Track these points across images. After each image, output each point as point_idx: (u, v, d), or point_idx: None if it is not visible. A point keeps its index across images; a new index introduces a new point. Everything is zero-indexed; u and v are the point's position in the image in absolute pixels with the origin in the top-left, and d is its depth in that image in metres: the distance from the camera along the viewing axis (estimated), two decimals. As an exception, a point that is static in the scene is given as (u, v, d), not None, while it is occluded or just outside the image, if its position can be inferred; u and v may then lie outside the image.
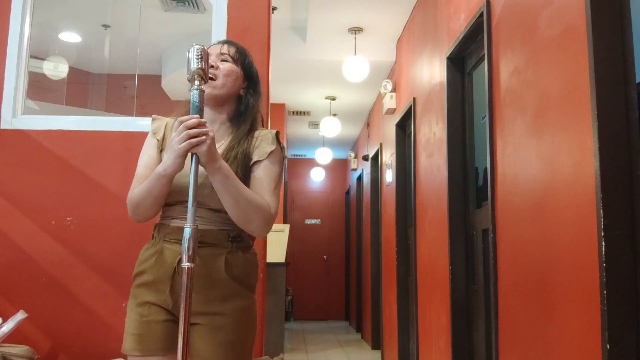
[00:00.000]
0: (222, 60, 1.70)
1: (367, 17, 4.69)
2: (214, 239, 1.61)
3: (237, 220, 1.59)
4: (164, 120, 1.75)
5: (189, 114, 1.67)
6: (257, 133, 1.71)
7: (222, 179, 1.52)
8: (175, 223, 1.61)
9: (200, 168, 1.50)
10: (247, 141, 1.67)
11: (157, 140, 1.70)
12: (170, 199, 1.61)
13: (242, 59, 1.75)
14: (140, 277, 1.62)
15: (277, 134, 1.73)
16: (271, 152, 1.67)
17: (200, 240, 1.56)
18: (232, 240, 1.63)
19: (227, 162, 1.60)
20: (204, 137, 1.46)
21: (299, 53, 5.26)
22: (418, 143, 4.22)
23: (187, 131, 1.46)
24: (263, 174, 1.64)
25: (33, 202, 2.57)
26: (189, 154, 1.48)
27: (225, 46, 1.74)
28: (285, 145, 1.75)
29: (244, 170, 1.64)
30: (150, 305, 1.58)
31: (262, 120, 1.81)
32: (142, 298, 1.60)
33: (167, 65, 4.83)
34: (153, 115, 1.77)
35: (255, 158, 1.65)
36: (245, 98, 1.73)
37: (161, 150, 1.69)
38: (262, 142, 1.68)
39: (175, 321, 1.58)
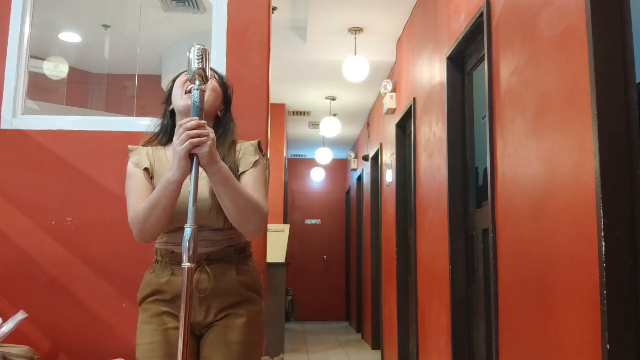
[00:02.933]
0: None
1: (367, 17, 4.69)
2: (223, 255, 1.66)
3: (235, 221, 1.61)
4: (142, 150, 1.74)
5: (157, 134, 1.77)
6: (238, 146, 1.75)
7: (221, 180, 1.54)
8: (179, 249, 1.58)
9: (201, 190, 1.53)
10: (230, 156, 1.70)
11: (146, 168, 1.68)
12: (172, 225, 1.62)
13: (224, 84, 1.81)
14: (154, 295, 1.65)
15: (259, 144, 1.77)
16: (255, 161, 1.71)
17: (212, 258, 1.63)
18: (238, 253, 1.69)
19: None
20: (204, 137, 1.47)
21: (299, 53, 5.26)
22: (418, 143, 4.22)
23: (187, 132, 1.47)
24: (251, 179, 1.68)
25: (33, 202, 2.57)
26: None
27: (211, 69, 1.77)
28: (267, 155, 1.80)
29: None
30: (167, 314, 1.62)
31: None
32: (158, 309, 1.63)
33: (167, 65, 4.82)
34: (129, 147, 1.75)
35: (241, 169, 1.69)
36: (223, 120, 1.78)
37: (152, 177, 1.68)
38: (245, 154, 1.72)
39: (191, 332, 1.61)
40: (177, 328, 1.58)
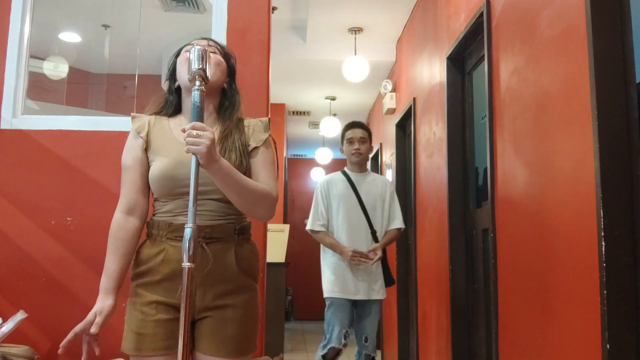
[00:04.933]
0: (211, 52, 1.73)
1: (367, 17, 4.69)
2: (222, 233, 1.64)
3: (243, 210, 1.64)
4: (145, 118, 1.75)
5: (162, 107, 1.78)
6: (246, 122, 1.77)
7: (224, 177, 1.54)
8: (178, 220, 1.62)
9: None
10: (239, 130, 1.72)
11: (142, 138, 1.70)
12: (172, 190, 1.63)
13: (226, 55, 1.81)
14: (144, 277, 1.63)
15: (268, 121, 1.80)
16: (266, 139, 1.74)
17: (210, 236, 1.61)
18: (238, 233, 1.67)
19: (225, 150, 1.65)
20: (198, 139, 1.45)
21: (299, 53, 5.26)
22: (418, 143, 4.22)
23: (186, 132, 1.48)
24: (262, 159, 1.70)
25: (33, 202, 2.57)
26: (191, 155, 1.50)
27: (212, 42, 1.80)
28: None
29: (243, 156, 1.68)
30: (157, 304, 1.60)
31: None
32: (148, 297, 1.61)
33: (167, 65, 4.81)
34: (132, 114, 1.77)
35: (253, 144, 1.71)
36: (229, 92, 1.79)
37: (146, 149, 1.70)
38: (255, 131, 1.74)
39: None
40: (166, 320, 1.57)
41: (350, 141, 3.46)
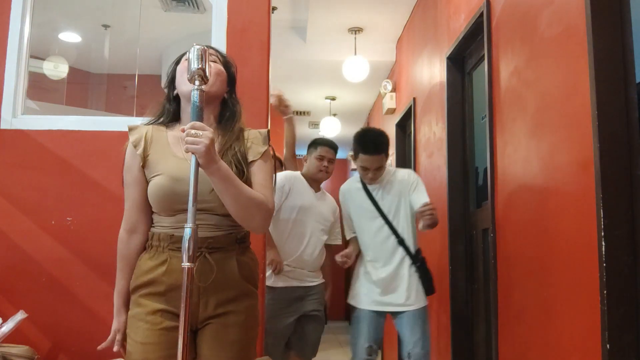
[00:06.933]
0: (212, 61, 1.72)
1: (367, 17, 4.69)
2: (224, 243, 1.64)
3: (239, 218, 1.62)
4: (142, 130, 1.73)
5: (159, 115, 1.78)
6: (246, 134, 1.76)
7: (221, 180, 1.53)
8: (180, 232, 1.58)
9: (203, 175, 1.51)
10: (239, 143, 1.71)
11: (139, 155, 1.68)
12: (172, 206, 1.62)
13: (227, 64, 1.80)
14: (147, 288, 1.63)
15: (268, 134, 1.78)
16: (264, 152, 1.72)
17: (211, 246, 1.61)
18: (239, 242, 1.68)
19: (227, 162, 1.63)
20: (197, 138, 1.45)
21: (299, 53, 5.26)
22: (418, 143, 4.22)
23: (186, 131, 1.47)
24: (259, 171, 1.69)
25: (33, 202, 2.57)
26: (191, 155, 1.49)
27: (212, 50, 1.78)
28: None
29: (242, 170, 1.67)
30: (162, 312, 1.59)
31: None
32: (153, 306, 1.60)
33: (167, 65, 4.81)
34: (129, 125, 1.75)
35: (250, 158, 1.70)
36: (229, 102, 1.78)
37: (143, 166, 1.68)
38: (254, 144, 1.73)
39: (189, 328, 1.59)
40: (172, 328, 1.55)
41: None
